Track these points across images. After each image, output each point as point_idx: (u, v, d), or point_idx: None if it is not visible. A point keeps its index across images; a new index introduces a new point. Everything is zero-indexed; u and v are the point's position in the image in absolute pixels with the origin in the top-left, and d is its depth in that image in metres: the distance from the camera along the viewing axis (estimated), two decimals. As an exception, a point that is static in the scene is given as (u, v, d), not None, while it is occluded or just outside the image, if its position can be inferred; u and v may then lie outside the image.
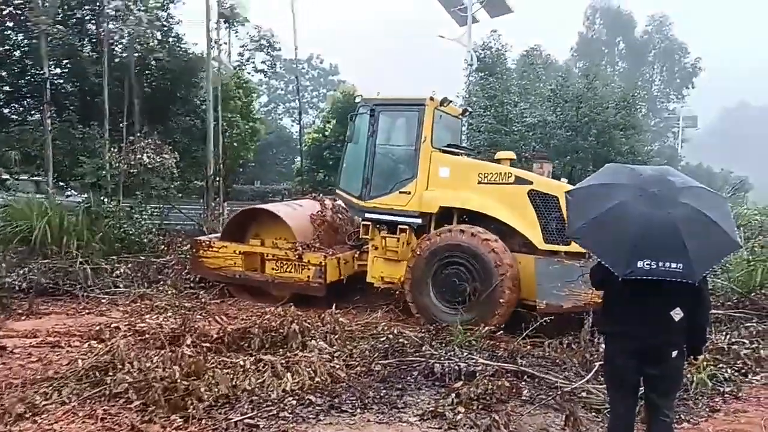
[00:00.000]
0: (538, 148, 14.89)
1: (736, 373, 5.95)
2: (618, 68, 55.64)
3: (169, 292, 9.32)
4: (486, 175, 8.08)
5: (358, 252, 9.35)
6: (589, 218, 3.47)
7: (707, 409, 5.25)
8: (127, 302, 8.70)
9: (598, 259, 3.56)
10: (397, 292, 8.65)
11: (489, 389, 5.09)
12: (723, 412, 5.21)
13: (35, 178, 16.56)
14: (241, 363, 5.54)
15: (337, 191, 9.41)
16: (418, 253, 7.94)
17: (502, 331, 6.94)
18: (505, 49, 22.91)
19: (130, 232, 11.98)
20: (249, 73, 20.68)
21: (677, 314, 3.42)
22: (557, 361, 6.23)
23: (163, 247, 12.24)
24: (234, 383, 5.19)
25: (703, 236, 3.28)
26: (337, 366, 5.69)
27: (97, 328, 6.83)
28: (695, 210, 3.35)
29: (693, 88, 54.42)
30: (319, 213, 9.91)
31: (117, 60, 16.74)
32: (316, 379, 5.34)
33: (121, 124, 16.58)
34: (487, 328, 6.67)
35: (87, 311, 8.15)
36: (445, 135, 9.02)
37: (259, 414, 4.62)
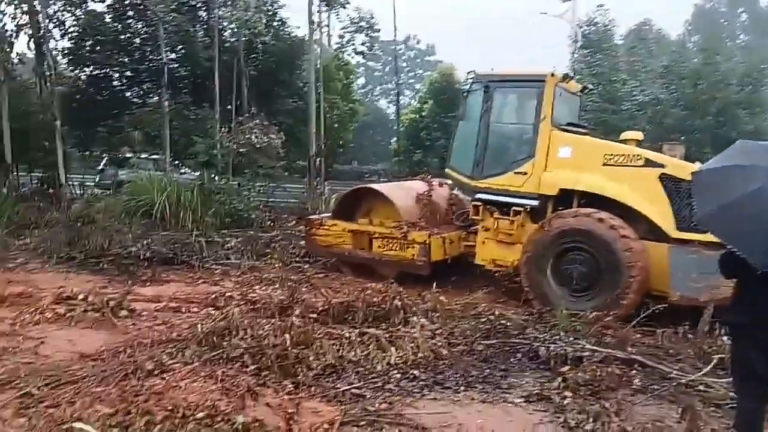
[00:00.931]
0: (649, 129, 14.06)
1: None
2: (740, 42, 51.12)
3: (276, 266, 9.75)
4: (613, 156, 7.55)
5: (465, 233, 9.18)
6: (722, 203, 3.22)
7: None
8: (238, 273, 9.17)
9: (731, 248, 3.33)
10: (498, 275, 8.49)
11: (598, 376, 4.95)
12: None
13: (154, 156, 17.87)
14: (347, 335, 5.70)
15: (447, 170, 9.25)
16: (539, 237, 7.56)
17: (610, 318, 6.65)
18: (612, 25, 21.74)
19: (239, 208, 12.66)
20: (349, 55, 21.04)
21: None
22: (670, 351, 5.89)
23: (269, 222, 12.84)
24: (340, 354, 5.37)
25: None
26: (439, 343, 5.73)
27: (213, 296, 7.28)
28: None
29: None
30: (426, 193, 9.82)
31: (226, 44, 17.55)
32: (419, 354, 5.41)
33: (229, 106, 17.50)
34: (594, 313, 6.41)
35: (202, 280, 8.69)
36: (564, 113, 8.48)
37: (366, 385, 4.75)
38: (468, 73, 9.07)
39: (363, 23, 19.29)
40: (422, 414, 4.28)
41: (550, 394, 4.71)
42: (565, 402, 4.53)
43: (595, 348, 5.56)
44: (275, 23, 18.57)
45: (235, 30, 17.27)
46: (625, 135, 8.36)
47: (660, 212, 7.16)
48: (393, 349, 5.41)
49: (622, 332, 6.20)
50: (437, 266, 8.78)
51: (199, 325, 5.96)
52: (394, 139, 44.68)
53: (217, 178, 13.45)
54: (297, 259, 10.34)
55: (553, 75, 8.07)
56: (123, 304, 6.63)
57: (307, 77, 18.22)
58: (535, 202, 7.99)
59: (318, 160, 17.86)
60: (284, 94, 19.23)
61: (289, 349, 5.17)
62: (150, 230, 10.52)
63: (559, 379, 4.91)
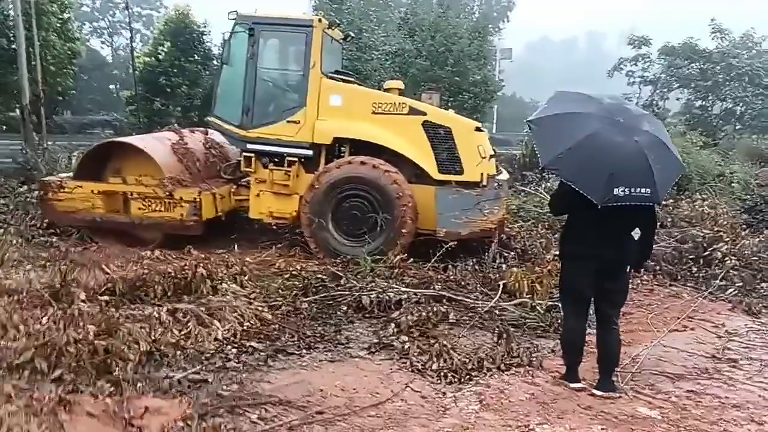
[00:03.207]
0: (396, 77, 14.99)
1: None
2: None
3: (15, 242, 8.03)
4: (380, 104, 7.88)
5: (235, 186, 8.76)
6: (565, 148, 3.58)
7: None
8: (-35, 258, 7.32)
9: (564, 187, 3.74)
10: (280, 228, 8.34)
11: (423, 316, 5.24)
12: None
13: None
14: (156, 315, 5.00)
15: (212, 119, 8.57)
16: (316, 186, 7.63)
17: (408, 260, 7.06)
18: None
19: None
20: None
21: (637, 234, 3.75)
22: (462, 283, 6.55)
23: (-12, 190, 10.42)
24: (153, 338, 4.71)
25: (663, 161, 3.58)
26: (260, 308, 5.43)
27: (-51, 291, 5.67)
28: (654, 136, 3.63)
29: (508, 22, 58.22)
30: (181, 144, 8.87)
31: None
32: (245, 324, 5.05)
33: None
34: (398, 257, 6.75)
35: None
36: (331, 61, 8.55)
37: (203, 368, 4.26)
38: (229, 13, 8.39)
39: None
40: (279, 387, 4.02)
41: (389, 341, 4.84)
42: (406, 346, 4.71)
43: (410, 290, 5.88)
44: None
45: None
46: (388, 84, 8.76)
47: (424, 157, 7.73)
48: (217, 322, 4.93)
49: (422, 272, 6.66)
50: (209, 224, 8.21)
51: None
52: (117, 85, 40.12)
53: None
54: (41, 232, 8.66)
55: (320, 20, 8.01)
56: None
57: (10, 8, 14.93)
58: (308, 152, 8.00)
59: (36, 110, 14.98)
60: (-23, 28, 15.50)
61: (94, 342, 4.33)
62: None
63: (392, 325, 5.08)
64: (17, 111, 16.53)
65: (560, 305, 4.61)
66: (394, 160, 7.76)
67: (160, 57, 20.24)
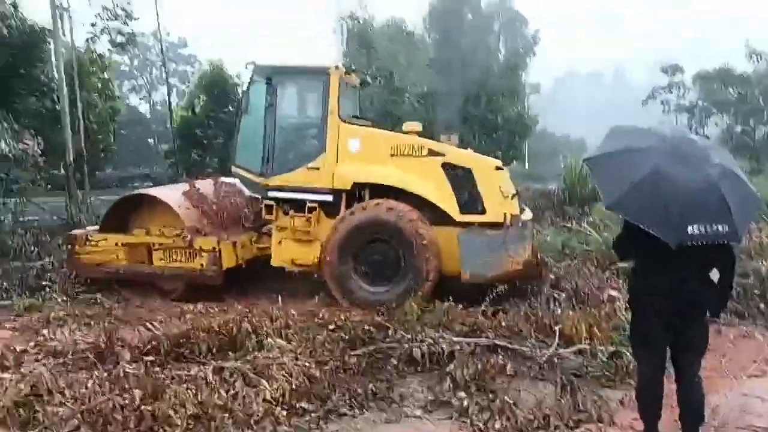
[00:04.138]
0: (429, 118, 15.00)
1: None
2: (467, 39, 58.12)
3: (60, 300, 8.09)
4: (399, 147, 7.80)
5: (256, 234, 8.75)
6: (629, 187, 3.34)
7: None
8: (12, 317, 7.36)
9: (630, 228, 3.48)
10: (315, 276, 8.22)
11: (479, 368, 4.95)
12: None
13: None
14: (201, 375, 4.84)
15: (234, 169, 8.62)
16: (335, 232, 7.53)
17: (459, 307, 6.79)
18: (372, 19, 22.75)
19: (-10, 235, 10.25)
20: (104, 46, 18.49)
21: (715, 275, 3.46)
22: (516, 330, 6.21)
23: (32, 248, 10.60)
24: (200, 400, 4.53)
25: (739, 194, 3.31)
26: (307, 364, 5.21)
27: (-2, 353, 5.63)
28: (727, 168, 3.37)
29: (534, 56, 58.37)
30: (200, 192, 8.90)
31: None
32: (293, 382, 4.83)
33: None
34: (447, 304, 6.49)
35: (-36, 334, 6.75)
36: (348, 106, 8.61)
37: (253, 432, 4.05)
38: (247, 64, 8.61)
39: (118, 10, 17.08)
40: (335, 453, 3.78)
41: (446, 398, 4.57)
42: (465, 404, 4.43)
43: (462, 339, 5.59)
44: (5, 7, 15.37)
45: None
46: (407, 126, 8.68)
47: (445, 198, 7.60)
48: (265, 382, 4.73)
49: (472, 320, 6.37)
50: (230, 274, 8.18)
51: (-7, 399, 4.54)
52: (155, 139, 41.33)
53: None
54: (84, 288, 8.70)
55: (337, 67, 8.06)
56: None
57: (54, 72, 15.57)
58: (329, 198, 7.95)
59: (80, 167, 15.40)
60: (25, 91, 16.11)
61: (140, 407, 4.18)
62: None
63: (448, 379, 4.80)
64: (62, 169, 17.02)
65: (633, 356, 4.28)
66: (415, 202, 7.65)
67: (196, 110, 20.80)
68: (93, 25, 17.35)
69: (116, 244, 8.43)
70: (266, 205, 8.18)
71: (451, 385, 4.73)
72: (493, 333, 5.91)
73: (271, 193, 8.12)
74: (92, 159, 17.58)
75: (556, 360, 5.42)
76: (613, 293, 6.77)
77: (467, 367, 4.93)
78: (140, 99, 53.61)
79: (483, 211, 7.40)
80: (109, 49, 20.44)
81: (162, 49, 22.33)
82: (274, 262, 8.19)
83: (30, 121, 15.69)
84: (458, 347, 5.40)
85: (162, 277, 8.36)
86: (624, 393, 4.70)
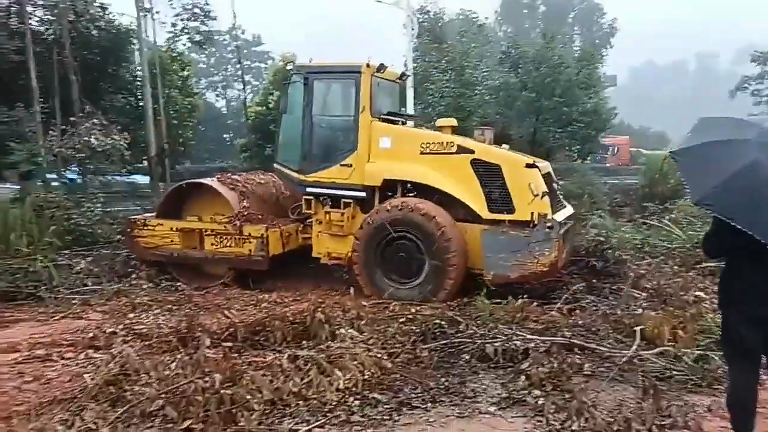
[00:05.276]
0: (502, 111, 14.73)
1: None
2: (539, 31, 56.61)
3: (145, 286, 8.50)
4: (428, 144, 7.86)
5: (302, 225, 8.98)
6: (719, 181, 3.12)
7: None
8: (102, 301, 7.78)
9: (720, 225, 3.26)
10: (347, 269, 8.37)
11: (555, 367, 4.82)
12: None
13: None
14: (277, 362, 4.96)
15: (275, 166, 9.01)
16: (365, 227, 7.71)
17: (533, 304, 6.64)
18: (442, 13, 22.51)
19: (81, 223, 10.88)
20: (184, 45, 19.24)
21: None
22: (593, 329, 6.01)
23: (119, 236, 11.19)
24: (275, 386, 4.64)
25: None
26: (379, 355, 5.23)
27: (90, 334, 6.00)
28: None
29: (611, 48, 56.16)
30: (252, 183, 9.37)
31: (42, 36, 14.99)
32: (366, 373, 4.87)
33: (46, 106, 14.92)
34: (520, 301, 6.37)
35: (60, 315, 7.20)
36: (385, 101, 8.70)
37: (327, 420, 4.10)
38: (286, 64, 8.98)
39: (197, 10, 17.72)
40: (407, 445, 3.78)
41: (520, 395, 4.47)
42: (540, 402, 4.32)
43: (537, 337, 5.46)
44: (94, 9, 16.26)
45: (53, 18, 14.75)
46: (440, 122, 8.76)
47: (473, 196, 7.56)
48: (338, 371, 4.79)
49: (546, 317, 6.21)
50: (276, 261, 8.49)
51: (86, 376, 4.83)
52: (230, 134, 42.68)
53: (45, 189, 11.43)
54: (167, 276, 9.11)
55: (368, 65, 8.14)
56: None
57: (138, 70, 16.35)
58: (362, 194, 8.13)
59: (162, 160, 16.13)
60: (112, 89, 17.02)
61: (220, 391, 4.32)
62: (-26, 261, 8.55)
63: (522, 377, 4.70)
64: (145, 163, 17.91)
65: (724, 361, 4.02)
66: (444, 199, 7.69)
67: (270, 105, 21.25)
68: (174, 25, 18.09)
69: (171, 229, 8.94)
70: (306, 200, 8.51)
71: (525, 383, 4.62)
72: (569, 331, 5.75)
73: (309, 189, 8.41)
74: (172, 153, 18.37)
75: (636, 361, 5.20)
76: (700, 294, 6.39)
77: (542, 365, 4.80)
78: (216, 95, 55.47)
79: (512, 210, 7.33)
80: (188, 48, 21.35)
81: (237, 46, 22.88)
82: (315, 253, 8.52)
83: (116, 117, 16.57)
84: (532, 345, 5.28)
85: (212, 262, 8.83)
86: (712, 399, 4.44)
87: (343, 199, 8.18)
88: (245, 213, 8.65)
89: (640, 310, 6.29)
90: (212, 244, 8.70)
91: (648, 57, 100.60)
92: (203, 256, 8.79)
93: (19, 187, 12.41)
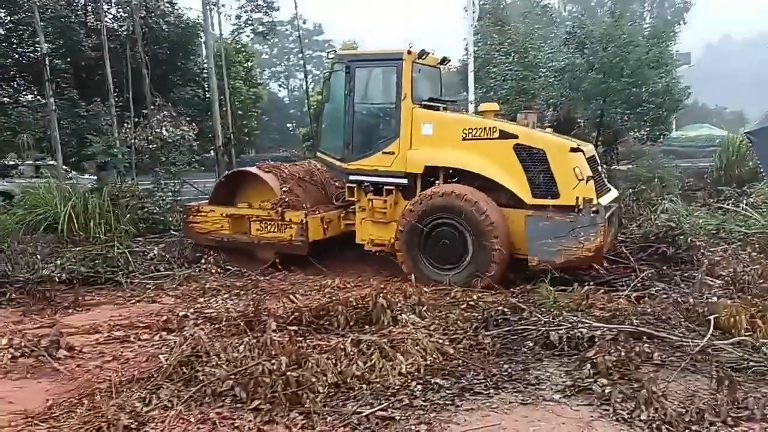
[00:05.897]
0: (567, 94, 14.30)
1: None
2: (606, 9, 54.27)
3: (213, 272, 8.84)
4: (471, 130, 7.75)
5: (344, 212, 9.08)
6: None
7: None
8: (174, 286, 8.15)
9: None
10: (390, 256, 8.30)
11: (623, 356, 4.69)
12: None
13: (38, 162, 15.73)
14: (341, 346, 5.06)
15: (318, 155, 9.17)
16: (407, 214, 7.71)
17: (599, 291, 6.48)
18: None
19: (154, 212, 11.41)
20: (248, 36, 19.69)
21: None
22: (664, 317, 5.79)
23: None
24: (339, 369, 4.74)
25: None
26: (441, 341, 5.25)
27: (163, 317, 6.31)
28: None
29: (684, 24, 53.22)
30: (296, 171, 9.59)
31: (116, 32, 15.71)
32: (428, 358, 4.90)
33: (119, 100, 15.64)
34: (586, 288, 6.23)
35: (136, 299, 7.60)
36: (426, 87, 8.62)
37: (390, 404, 4.16)
38: (329, 53, 9.01)
39: (260, 1, 18.08)
40: (470, 430, 3.78)
41: (586, 383, 4.38)
42: (606, 391, 4.22)
43: (603, 325, 5.33)
44: (164, 4, 16.89)
45: (125, 15, 15.45)
46: (483, 107, 8.66)
47: (516, 181, 7.44)
48: (400, 356, 4.84)
49: (613, 304, 6.05)
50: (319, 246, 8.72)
51: (161, 356, 5.10)
52: (293, 123, 43.51)
53: (121, 179, 12.02)
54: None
55: (409, 52, 8.10)
56: (60, 342, 5.51)
57: (204, 62, 16.85)
58: (404, 181, 8.12)
59: (228, 150, 16.62)
60: (180, 82, 17.66)
61: (286, 373, 4.46)
62: (59, 247, 9.12)
63: (588, 365, 4.60)
64: (212, 152, 18.50)
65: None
66: (488, 185, 7.58)
67: (331, 94, 21.50)
68: (238, 17, 18.54)
69: (222, 215, 9.30)
70: (349, 187, 8.62)
71: (591, 371, 4.53)
72: (637, 319, 5.58)
73: (351, 177, 8.48)
74: (237, 143, 18.89)
75: (710, 351, 4.99)
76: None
77: (609, 353, 4.68)
78: (279, 85, 56.55)
79: (557, 195, 7.18)
80: (251, 39, 21.84)
81: (299, 36, 23.25)
82: (358, 239, 8.61)
83: (185, 109, 17.18)
84: (599, 332, 5.16)
85: (258, 247, 9.14)
86: (795, 393, 4.21)
87: (386, 186, 8.24)
88: (287, 199, 8.94)
89: (714, 298, 6.02)
90: (257, 230, 9.03)
91: (725, 32, 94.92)
92: (250, 241, 9.13)
93: (96, 177, 13.10)
